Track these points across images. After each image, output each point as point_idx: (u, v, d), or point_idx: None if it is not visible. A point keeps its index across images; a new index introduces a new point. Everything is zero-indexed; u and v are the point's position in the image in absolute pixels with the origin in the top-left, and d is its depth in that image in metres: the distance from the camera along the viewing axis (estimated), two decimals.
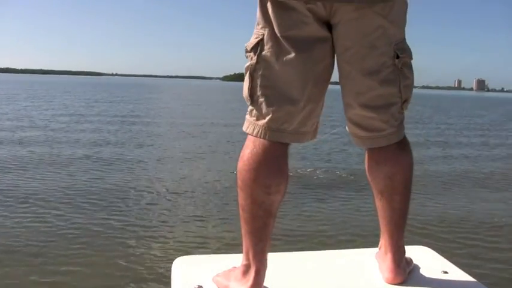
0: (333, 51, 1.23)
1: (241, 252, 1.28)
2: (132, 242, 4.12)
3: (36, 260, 3.71)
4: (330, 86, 1.29)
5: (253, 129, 1.23)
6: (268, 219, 1.23)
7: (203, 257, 1.58)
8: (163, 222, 4.75)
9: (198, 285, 1.30)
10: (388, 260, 1.35)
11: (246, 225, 1.24)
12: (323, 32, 1.19)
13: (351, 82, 1.24)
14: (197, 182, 6.57)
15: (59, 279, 3.42)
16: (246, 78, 1.23)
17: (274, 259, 1.31)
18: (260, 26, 1.22)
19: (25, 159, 7.77)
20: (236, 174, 1.24)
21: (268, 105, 1.21)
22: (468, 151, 10.85)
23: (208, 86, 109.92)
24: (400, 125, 1.30)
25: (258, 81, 1.21)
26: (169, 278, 1.43)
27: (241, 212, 1.25)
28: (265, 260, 1.25)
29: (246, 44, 1.25)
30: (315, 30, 1.18)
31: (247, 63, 1.23)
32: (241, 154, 1.24)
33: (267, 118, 1.21)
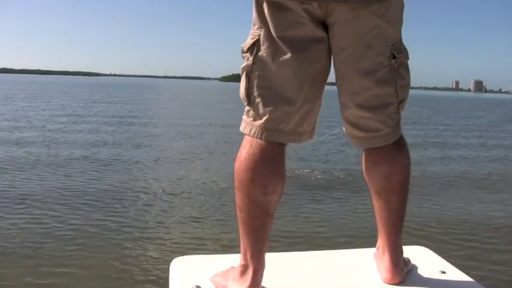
0: (330, 52, 1.22)
1: (239, 252, 1.28)
2: (129, 244, 4.11)
3: (32, 261, 3.70)
4: (328, 87, 1.29)
5: (250, 130, 1.23)
6: (265, 219, 1.23)
7: (201, 257, 1.58)
8: (160, 223, 4.73)
9: (196, 286, 1.30)
10: (385, 260, 1.35)
11: (243, 226, 1.24)
12: (319, 32, 1.19)
13: (347, 82, 1.24)
14: (194, 182, 6.56)
15: (55, 281, 3.40)
16: (243, 78, 1.23)
17: (272, 259, 1.31)
18: (256, 27, 1.22)
19: (22, 160, 7.76)
20: (233, 175, 1.24)
21: (264, 105, 1.21)
22: (466, 152, 10.86)
23: (206, 87, 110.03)
24: (397, 125, 1.30)
25: (255, 82, 1.21)
26: (165, 279, 1.42)
27: (238, 212, 1.25)
28: (263, 260, 1.25)
29: (242, 45, 1.25)
30: (311, 30, 1.18)
31: (244, 64, 1.23)
32: (238, 154, 1.24)
33: (264, 118, 1.21)
